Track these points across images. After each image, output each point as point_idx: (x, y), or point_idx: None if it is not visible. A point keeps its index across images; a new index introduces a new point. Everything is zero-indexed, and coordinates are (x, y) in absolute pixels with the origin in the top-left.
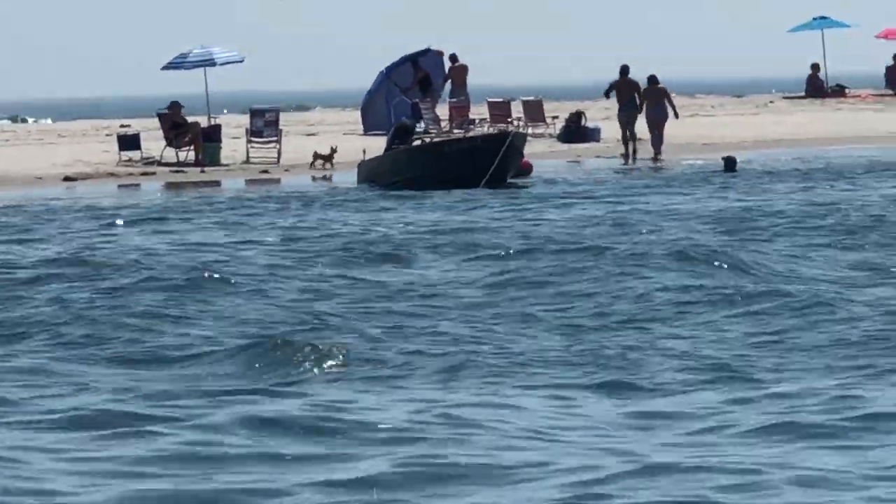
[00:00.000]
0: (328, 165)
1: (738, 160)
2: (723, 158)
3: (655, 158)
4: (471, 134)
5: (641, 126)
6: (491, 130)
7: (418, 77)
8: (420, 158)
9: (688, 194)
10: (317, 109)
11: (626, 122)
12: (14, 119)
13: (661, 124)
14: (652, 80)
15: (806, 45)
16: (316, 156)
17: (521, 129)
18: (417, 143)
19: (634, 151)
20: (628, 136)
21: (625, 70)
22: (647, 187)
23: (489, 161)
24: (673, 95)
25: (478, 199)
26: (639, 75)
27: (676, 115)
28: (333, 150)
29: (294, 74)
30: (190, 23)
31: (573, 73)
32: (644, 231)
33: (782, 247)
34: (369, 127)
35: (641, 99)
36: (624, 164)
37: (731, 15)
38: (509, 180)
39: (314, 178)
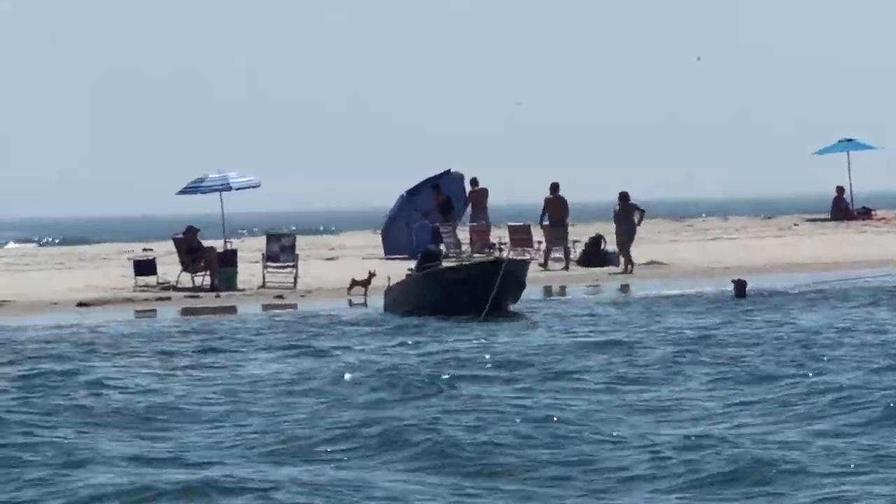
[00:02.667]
0: (365, 291)
1: (748, 285)
2: (733, 282)
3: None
4: (467, 262)
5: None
6: (486, 257)
7: (439, 201)
8: (425, 286)
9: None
10: (339, 233)
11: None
12: (31, 241)
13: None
14: (623, 196)
15: (832, 166)
16: (353, 282)
17: (526, 255)
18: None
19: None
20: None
21: (554, 187)
22: (656, 314)
23: (486, 289)
24: (702, 217)
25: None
26: (678, 195)
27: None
28: (372, 275)
29: (313, 194)
30: (209, 144)
31: (597, 192)
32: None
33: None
34: (390, 250)
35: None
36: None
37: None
38: (511, 308)
39: (351, 304)
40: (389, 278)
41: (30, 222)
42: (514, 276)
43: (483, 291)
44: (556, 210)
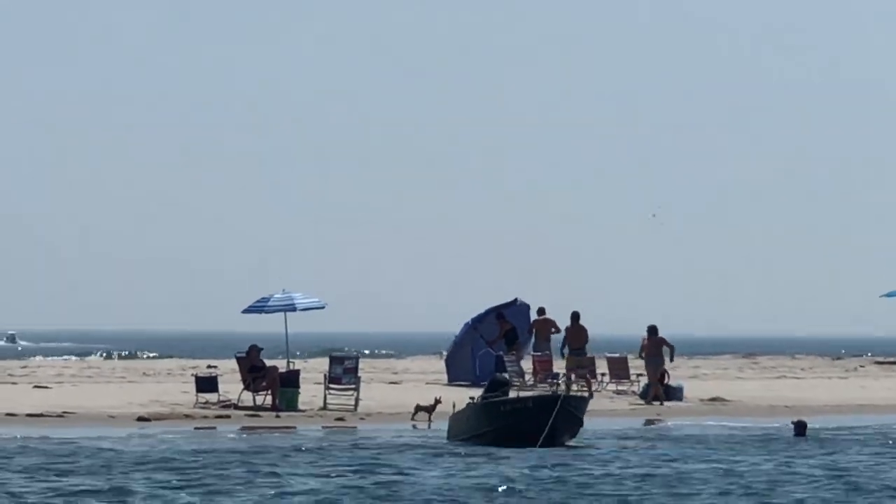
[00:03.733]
0: (429, 417)
1: (808, 425)
2: (792, 423)
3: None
4: (526, 394)
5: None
6: (544, 392)
7: (504, 330)
8: (484, 416)
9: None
10: (402, 357)
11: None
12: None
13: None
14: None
15: None
16: (418, 408)
17: (584, 390)
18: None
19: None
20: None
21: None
22: (710, 450)
23: (542, 422)
24: (766, 357)
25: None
26: (750, 328)
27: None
28: (437, 401)
29: (375, 319)
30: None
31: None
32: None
33: None
34: (454, 377)
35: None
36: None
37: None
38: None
39: (414, 427)
40: (454, 405)
41: (112, 335)
42: (570, 411)
43: (538, 424)
44: (576, 339)
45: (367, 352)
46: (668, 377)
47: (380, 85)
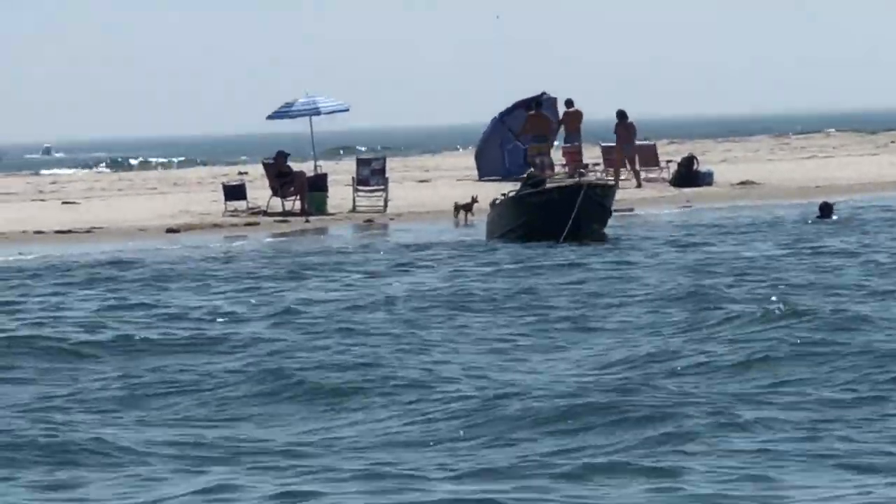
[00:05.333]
0: (469, 215)
1: (833, 206)
2: (819, 205)
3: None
4: (549, 185)
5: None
6: (568, 182)
7: (537, 122)
8: (513, 211)
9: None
10: (437, 153)
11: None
12: (116, 162)
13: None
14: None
15: None
16: (457, 207)
17: (606, 179)
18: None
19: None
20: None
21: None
22: (725, 234)
23: (567, 213)
24: (799, 137)
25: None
26: (777, 105)
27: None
28: (474, 200)
29: (406, 113)
30: (300, 68)
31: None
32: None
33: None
34: (484, 173)
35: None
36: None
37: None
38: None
39: (457, 225)
40: (492, 203)
41: (145, 142)
42: (596, 200)
43: (563, 216)
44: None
45: (391, 150)
46: (698, 163)
47: None
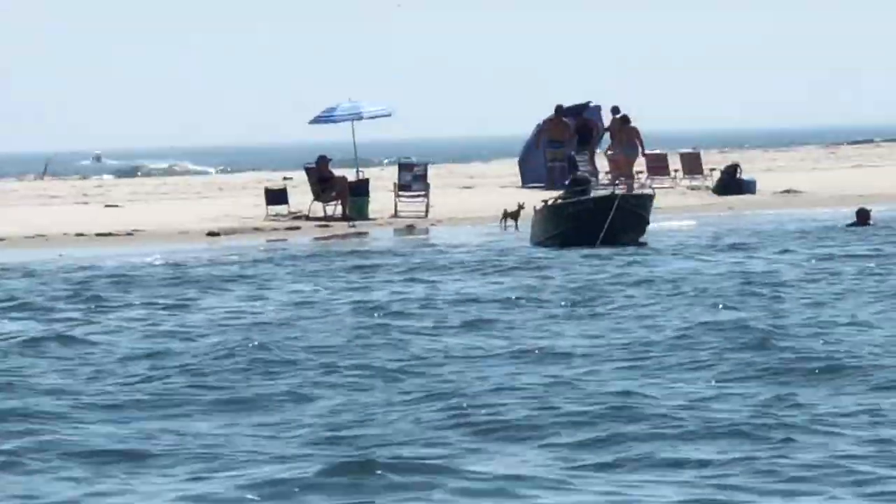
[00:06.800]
0: (515, 223)
1: (870, 212)
2: (856, 211)
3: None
4: (587, 196)
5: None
6: (603, 192)
7: (577, 126)
8: (552, 218)
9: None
10: (476, 163)
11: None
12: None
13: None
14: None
15: None
16: (505, 214)
17: (647, 188)
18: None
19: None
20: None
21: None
22: (752, 246)
23: (602, 222)
24: (844, 145)
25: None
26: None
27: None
28: (521, 207)
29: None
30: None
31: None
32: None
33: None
34: (527, 180)
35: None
36: None
37: None
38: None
39: (503, 228)
40: (535, 208)
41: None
42: (631, 210)
43: (598, 225)
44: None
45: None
46: (741, 171)
47: None
